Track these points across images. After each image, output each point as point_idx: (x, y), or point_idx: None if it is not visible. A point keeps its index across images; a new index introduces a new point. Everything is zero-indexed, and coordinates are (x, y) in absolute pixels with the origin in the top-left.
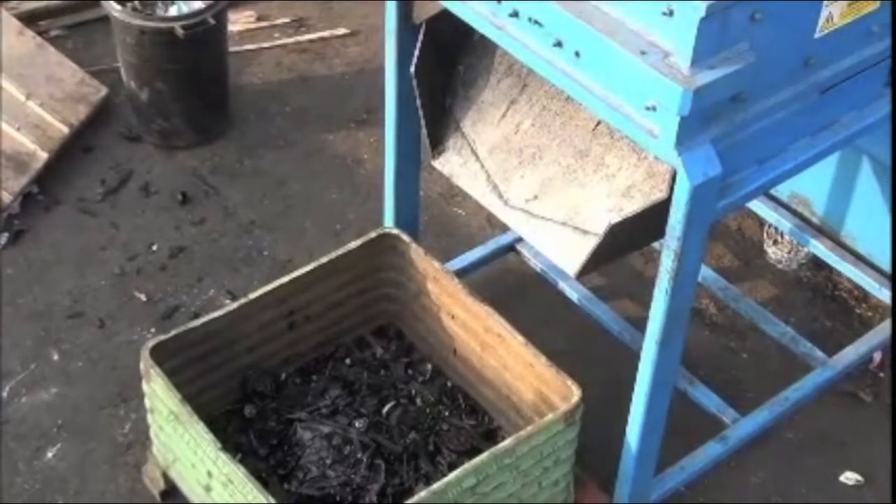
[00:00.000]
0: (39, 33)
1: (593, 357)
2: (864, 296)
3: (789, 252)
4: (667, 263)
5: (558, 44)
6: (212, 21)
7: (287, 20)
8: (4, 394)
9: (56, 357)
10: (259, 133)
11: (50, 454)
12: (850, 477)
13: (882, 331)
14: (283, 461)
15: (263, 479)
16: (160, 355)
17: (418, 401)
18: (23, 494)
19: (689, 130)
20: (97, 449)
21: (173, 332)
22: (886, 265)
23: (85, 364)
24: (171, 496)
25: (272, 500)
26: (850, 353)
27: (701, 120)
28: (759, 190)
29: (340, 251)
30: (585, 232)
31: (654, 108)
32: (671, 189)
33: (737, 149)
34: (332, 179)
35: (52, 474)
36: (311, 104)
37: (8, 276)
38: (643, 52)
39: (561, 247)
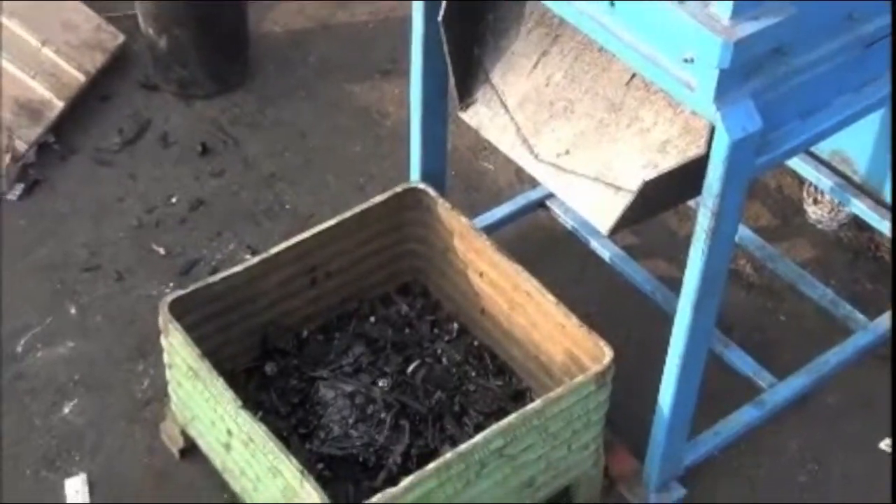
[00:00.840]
0: None
1: (625, 318)
2: None
3: (830, 212)
4: (703, 222)
5: None
6: None
7: None
8: (19, 348)
9: (73, 311)
10: (280, 83)
11: (66, 409)
12: (890, 444)
13: None
14: (304, 420)
15: (284, 438)
16: (179, 310)
17: (444, 360)
18: (38, 450)
19: (729, 84)
20: (114, 404)
21: (192, 287)
22: None
23: (102, 318)
24: (189, 454)
25: (293, 460)
26: (891, 317)
27: (741, 73)
28: (800, 147)
29: (364, 206)
30: (618, 188)
31: (691, 61)
32: (708, 145)
33: (777, 103)
34: (356, 131)
35: (68, 430)
36: (334, 53)
37: (23, 227)
38: (681, 1)
39: (593, 203)
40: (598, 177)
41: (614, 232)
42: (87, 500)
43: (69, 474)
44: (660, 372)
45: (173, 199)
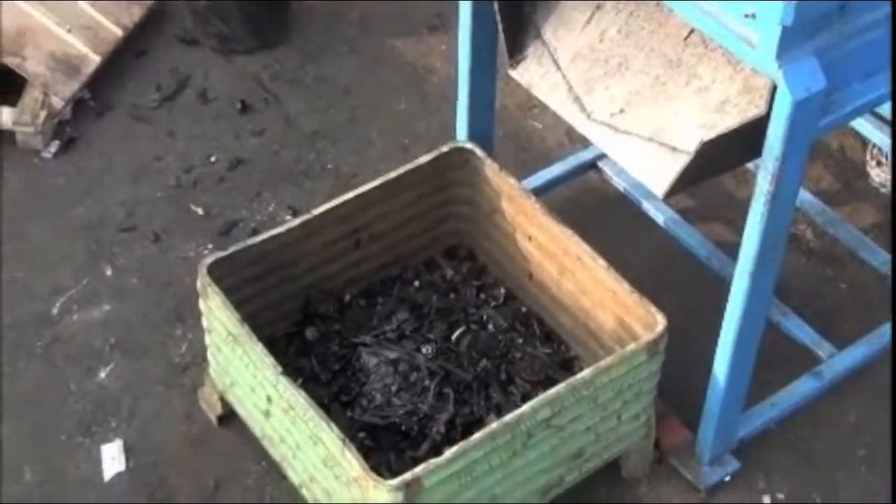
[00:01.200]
0: None
1: (679, 284)
2: None
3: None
4: (763, 185)
5: None
6: None
7: None
8: (55, 310)
9: (109, 272)
10: (323, 38)
11: (102, 374)
12: None
13: None
14: (345, 387)
15: (325, 405)
16: (218, 273)
17: (490, 326)
18: (74, 415)
19: (792, 41)
20: (152, 369)
21: (232, 249)
22: None
23: (139, 280)
24: (228, 421)
25: (334, 428)
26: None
27: (804, 30)
28: (864, 107)
29: (409, 166)
30: (674, 149)
31: (753, 16)
32: (770, 105)
33: (843, 62)
34: (401, 88)
35: (105, 395)
36: (379, 8)
37: (58, 185)
38: None
39: (647, 165)
40: (653, 137)
41: (669, 195)
42: (123, 467)
43: (105, 440)
44: (714, 341)
45: (212, 158)
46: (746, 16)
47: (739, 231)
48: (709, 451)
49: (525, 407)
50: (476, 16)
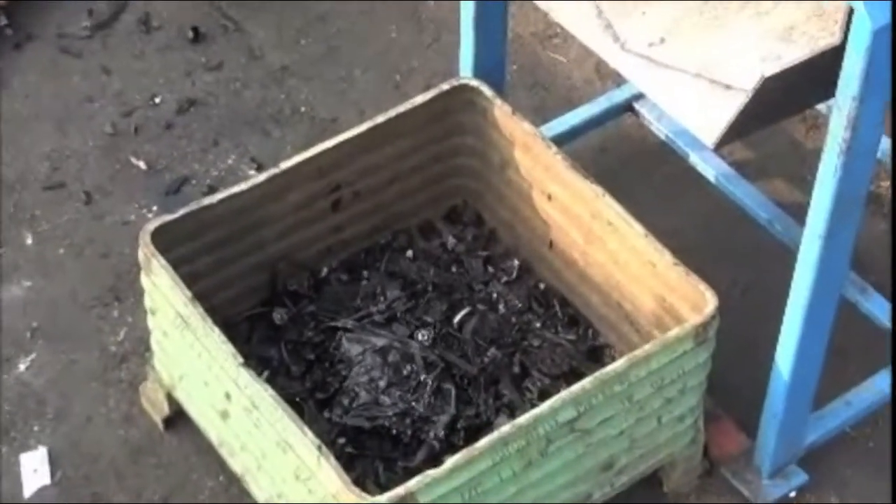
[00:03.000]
0: None
1: (733, 254)
2: None
3: None
4: (837, 132)
5: None
6: None
7: None
8: None
9: (30, 241)
10: None
11: (22, 367)
12: None
13: None
14: (322, 382)
15: (297, 404)
16: (165, 241)
17: (501, 307)
18: None
19: None
20: (82, 361)
21: (182, 212)
22: None
23: (67, 250)
24: (176, 424)
25: (308, 432)
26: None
27: None
28: None
29: (401, 108)
30: (728, 87)
31: None
32: (844, 33)
33: None
34: (391, 13)
35: (25, 392)
36: None
37: None
38: None
39: (694, 106)
40: (702, 72)
41: (722, 144)
42: (48, 481)
43: (26, 448)
44: (777, 324)
45: (157, 99)
46: None
47: (808, 188)
48: (770, 461)
49: (543, 406)
50: None
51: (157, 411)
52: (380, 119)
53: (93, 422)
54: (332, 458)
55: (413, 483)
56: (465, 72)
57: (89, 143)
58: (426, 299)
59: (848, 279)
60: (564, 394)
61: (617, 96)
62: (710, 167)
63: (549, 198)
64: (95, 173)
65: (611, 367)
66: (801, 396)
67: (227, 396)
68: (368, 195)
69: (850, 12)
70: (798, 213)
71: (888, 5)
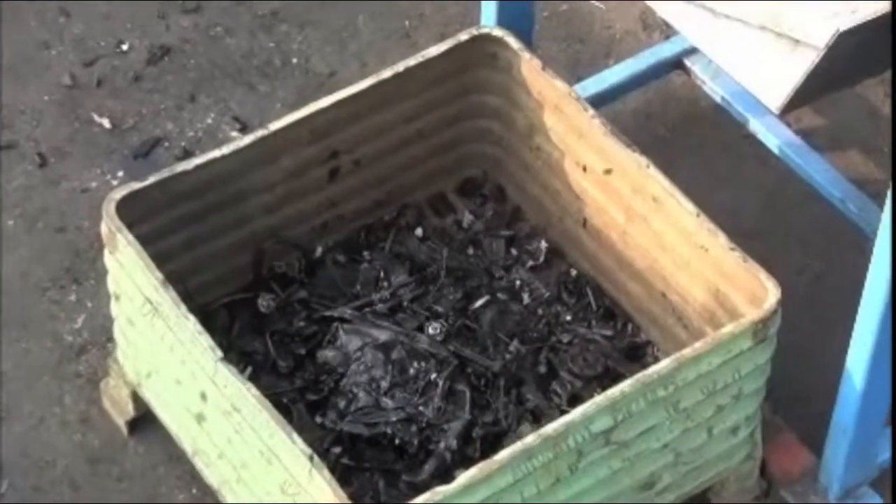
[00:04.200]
0: None
1: (800, 237)
2: None
3: None
4: None
5: None
6: None
7: None
8: None
9: None
10: None
11: None
12: None
13: None
14: (315, 381)
15: (285, 406)
16: (132, 213)
17: (525, 296)
18: None
19: None
20: (34, 353)
21: (152, 179)
22: None
23: (17, 223)
24: (143, 428)
25: (297, 440)
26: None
27: None
28: None
29: (411, 62)
30: (796, 42)
31: None
32: None
33: None
34: None
35: None
36: None
37: None
38: None
39: (757, 64)
40: (768, 24)
41: (789, 109)
42: None
43: None
44: (850, 321)
45: (124, 46)
46: None
47: (885, 163)
48: (839, 481)
49: (574, 413)
50: None
51: (121, 413)
52: (385, 74)
53: (45, 423)
54: (326, 471)
55: (420, 501)
56: (487, 20)
57: (44, 96)
58: (437, 286)
59: None
60: (599, 399)
61: (664, 51)
62: (773, 136)
63: (584, 169)
64: (51, 132)
65: (653, 369)
66: (876, 407)
67: (203, 397)
68: (371, 163)
69: None
70: (876, 191)
71: None
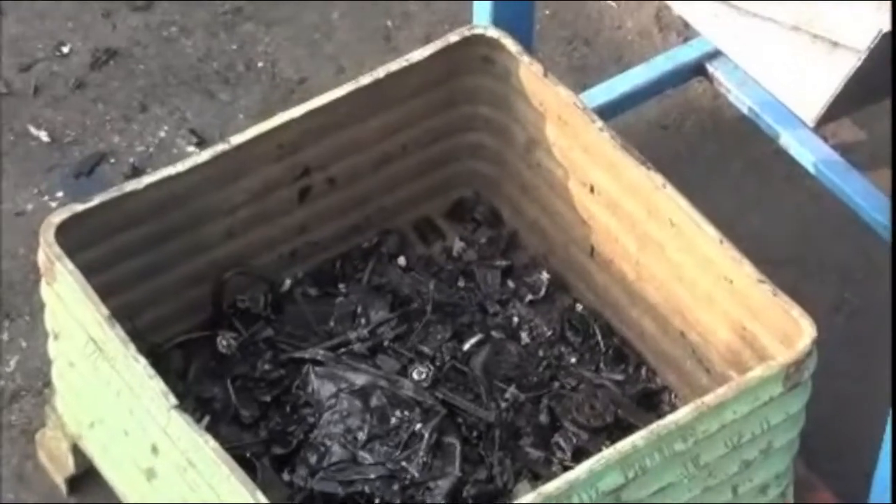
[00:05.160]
0: None
1: (837, 268)
2: None
3: None
4: None
5: None
6: None
7: None
8: None
9: None
10: None
11: None
12: None
13: None
14: (282, 433)
15: (248, 460)
16: (73, 239)
17: (524, 335)
18: None
19: None
20: None
21: (97, 200)
22: None
23: None
24: (85, 486)
25: (262, 499)
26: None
27: None
28: None
29: (393, 66)
30: (835, 44)
31: None
32: None
33: None
34: None
35: None
36: None
37: None
38: None
39: (789, 69)
40: (801, 24)
41: (825, 121)
42: None
43: None
44: (888, 356)
45: (65, 49)
46: None
47: None
48: None
49: (579, 469)
50: None
51: (60, 468)
52: (364, 81)
53: None
54: None
55: None
56: (481, 19)
57: None
58: (423, 323)
59: None
60: (608, 453)
61: (683, 54)
62: (807, 151)
63: (591, 189)
64: None
65: (670, 419)
66: None
67: (154, 450)
68: (347, 183)
69: None
70: None
71: None
